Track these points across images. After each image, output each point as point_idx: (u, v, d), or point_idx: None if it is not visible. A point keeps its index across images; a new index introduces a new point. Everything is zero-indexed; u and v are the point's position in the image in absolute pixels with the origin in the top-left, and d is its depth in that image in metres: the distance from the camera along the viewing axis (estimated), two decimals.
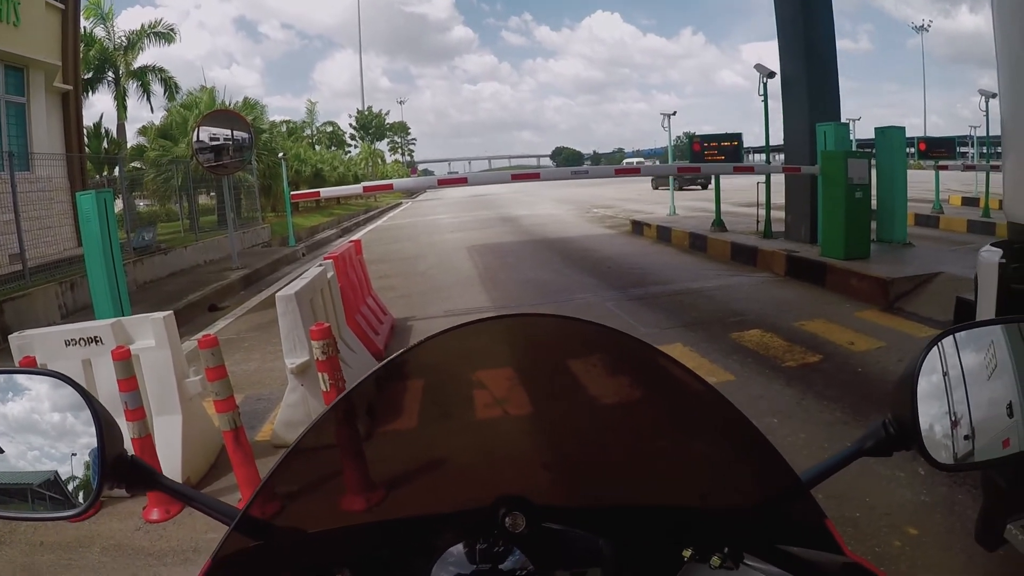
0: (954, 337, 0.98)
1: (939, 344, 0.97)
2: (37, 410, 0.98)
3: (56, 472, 0.95)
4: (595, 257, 13.34)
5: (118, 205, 13.46)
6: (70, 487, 0.94)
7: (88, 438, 0.94)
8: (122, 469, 0.94)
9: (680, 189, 26.76)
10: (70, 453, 0.95)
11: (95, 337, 4.26)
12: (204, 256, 15.22)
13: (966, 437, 0.95)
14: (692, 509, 0.98)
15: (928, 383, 0.95)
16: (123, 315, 7.50)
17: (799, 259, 10.06)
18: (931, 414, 0.94)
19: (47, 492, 0.94)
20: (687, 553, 0.89)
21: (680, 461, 1.00)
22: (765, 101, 12.86)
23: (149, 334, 4.29)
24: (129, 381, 3.85)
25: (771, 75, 12.67)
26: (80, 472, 0.94)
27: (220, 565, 0.89)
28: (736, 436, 0.92)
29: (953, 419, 0.95)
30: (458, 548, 0.91)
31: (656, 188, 34.22)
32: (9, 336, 4.50)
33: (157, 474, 0.99)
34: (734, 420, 0.90)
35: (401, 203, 44.45)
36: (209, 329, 8.46)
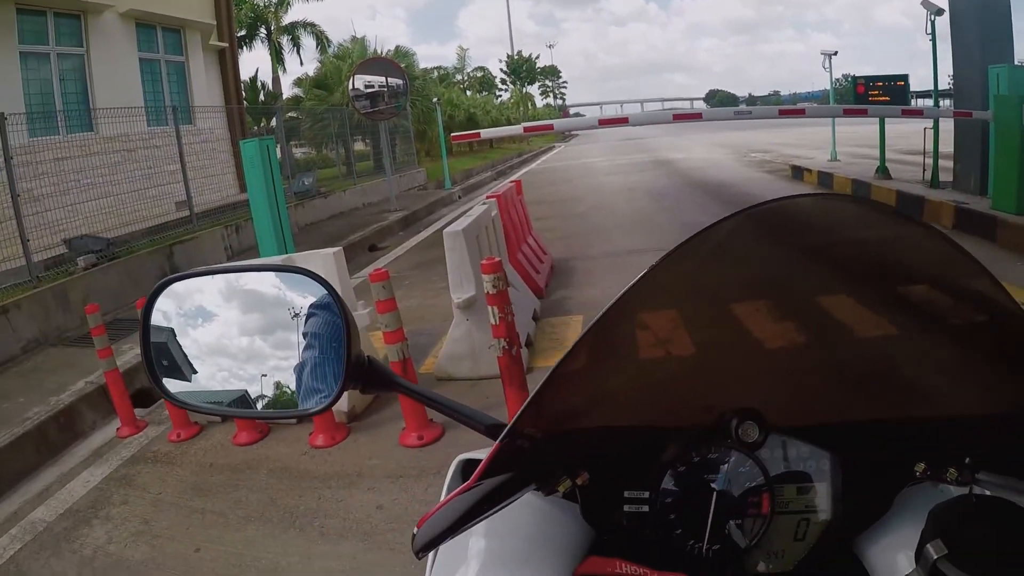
0: None
1: None
2: (287, 305, 0.96)
3: (304, 368, 0.95)
4: (755, 202, 12.51)
5: (277, 152, 14.13)
6: (313, 384, 0.94)
7: (330, 338, 0.93)
8: (361, 369, 0.93)
9: None
10: (316, 351, 0.94)
11: None
12: (362, 199, 15.78)
13: None
14: (933, 421, 0.88)
15: None
16: (287, 254, 7.83)
17: (968, 211, 8.95)
18: None
19: (289, 389, 0.96)
20: (920, 468, 0.84)
21: (931, 364, 0.90)
22: (933, 41, 11.45)
23: (319, 269, 4.37)
24: None
25: (939, 12, 11.22)
26: (324, 370, 0.94)
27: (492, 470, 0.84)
28: (1005, 331, 0.80)
29: None
30: (689, 456, 0.89)
31: None
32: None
33: (395, 376, 0.99)
34: (1009, 312, 0.78)
35: (554, 147, 44.37)
36: (369, 268, 8.71)
